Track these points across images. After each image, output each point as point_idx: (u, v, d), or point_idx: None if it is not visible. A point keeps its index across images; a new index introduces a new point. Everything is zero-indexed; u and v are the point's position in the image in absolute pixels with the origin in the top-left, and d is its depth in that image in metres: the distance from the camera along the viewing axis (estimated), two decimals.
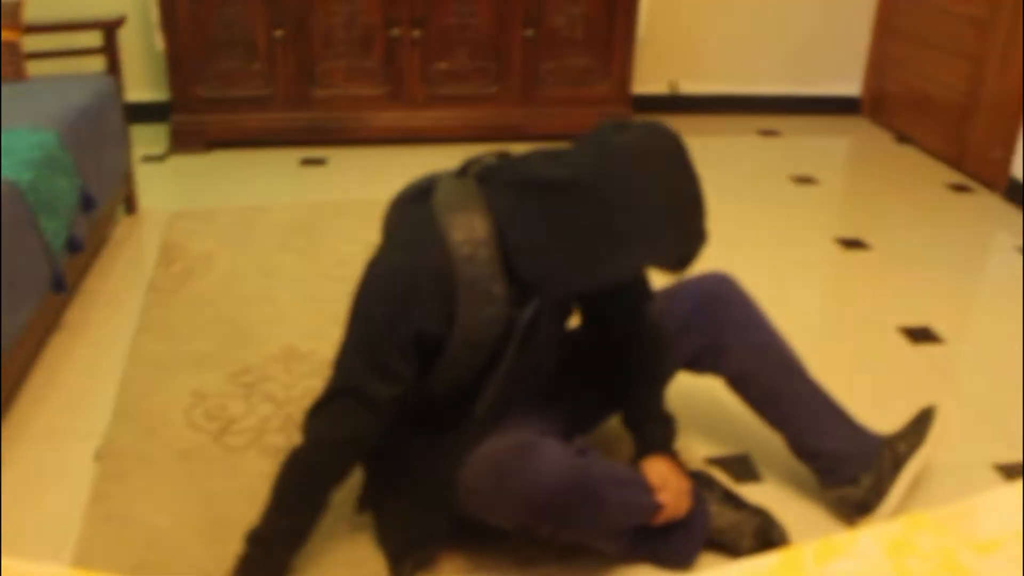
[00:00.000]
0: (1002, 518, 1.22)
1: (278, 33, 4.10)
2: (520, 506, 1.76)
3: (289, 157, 4.19)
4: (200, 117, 4.19)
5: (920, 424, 2.17)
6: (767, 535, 2.01)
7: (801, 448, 2.17)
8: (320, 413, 1.82)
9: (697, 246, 1.73)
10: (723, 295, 2.18)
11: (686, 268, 1.75)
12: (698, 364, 2.17)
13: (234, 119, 4.22)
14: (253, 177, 3.98)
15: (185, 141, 4.20)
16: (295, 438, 2.25)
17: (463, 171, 1.83)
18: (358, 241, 3.32)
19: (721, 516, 2.02)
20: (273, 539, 1.82)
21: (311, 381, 2.51)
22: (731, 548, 2.01)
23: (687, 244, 1.71)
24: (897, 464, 2.10)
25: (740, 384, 2.17)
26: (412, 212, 1.83)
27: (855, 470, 2.11)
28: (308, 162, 4.15)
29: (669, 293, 2.15)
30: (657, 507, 1.90)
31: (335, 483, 1.86)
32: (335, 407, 1.80)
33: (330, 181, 3.95)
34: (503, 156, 1.84)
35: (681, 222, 1.69)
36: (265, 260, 3.19)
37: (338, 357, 1.82)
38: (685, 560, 1.99)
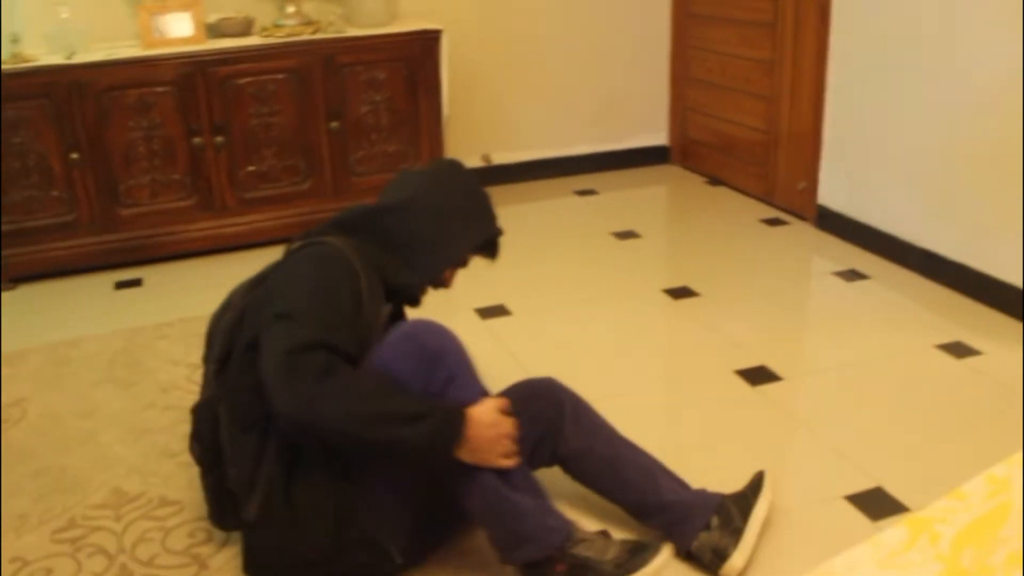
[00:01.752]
0: None
1: (74, 156, 3.93)
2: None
3: (101, 282, 4.00)
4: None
5: (755, 483, 2.25)
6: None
7: (647, 508, 2.18)
8: (294, 376, 1.77)
9: (496, 233, 2.23)
10: (547, 388, 2.25)
11: (496, 254, 2.26)
12: (536, 457, 2.17)
13: (37, 250, 4.00)
14: (64, 309, 3.77)
15: None
16: None
17: (330, 224, 2.14)
18: (181, 363, 3.18)
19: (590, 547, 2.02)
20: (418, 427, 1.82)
21: (144, 524, 2.36)
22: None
23: (488, 232, 2.21)
24: (745, 509, 2.14)
25: (577, 462, 2.20)
26: (299, 254, 2.05)
27: (705, 515, 2.13)
28: (123, 285, 3.97)
29: (510, 391, 2.21)
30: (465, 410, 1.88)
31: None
32: (313, 360, 1.78)
33: (148, 302, 3.78)
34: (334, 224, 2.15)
35: (480, 217, 2.21)
36: (83, 398, 3.01)
37: (285, 333, 1.82)
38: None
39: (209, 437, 2.04)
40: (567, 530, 2.00)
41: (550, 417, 2.18)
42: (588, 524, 2.30)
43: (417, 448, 1.83)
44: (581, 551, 1.99)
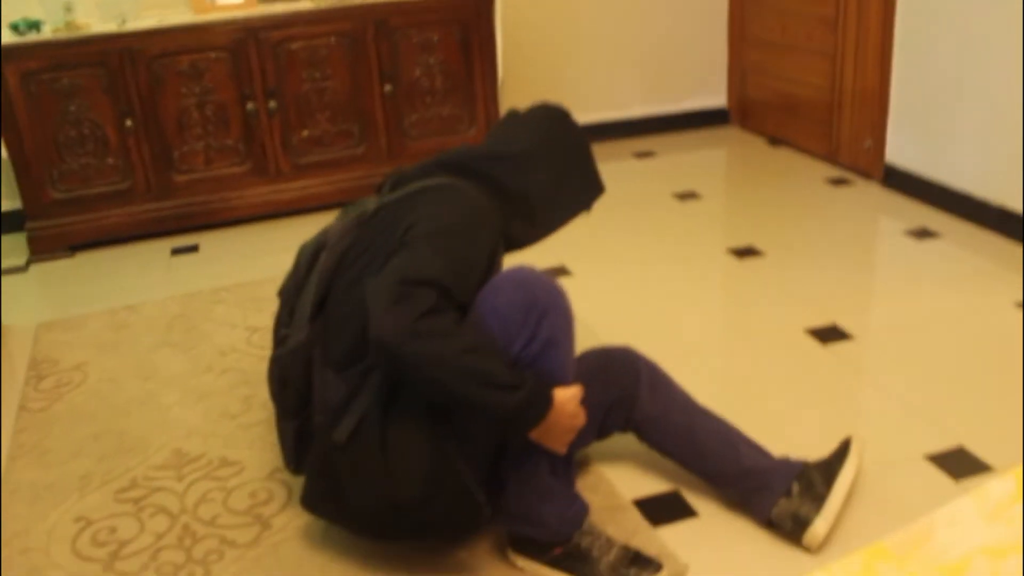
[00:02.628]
0: (962, 535, 1.13)
1: (128, 123, 3.91)
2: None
3: (158, 249, 3.99)
4: (58, 221, 3.96)
5: (841, 449, 2.15)
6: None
7: (725, 476, 2.12)
8: (401, 305, 1.73)
9: (603, 187, 2.18)
10: (623, 355, 2.20)
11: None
12: (609, 422, 2.14)
13: (95, 218, 4.00)
14: (123, 275, 3.76)
15: (46, 247, 3.97)
16: (194, 552, 2.09)
17: (398, 182, 2.07)
18: (238, 326, 3.15)
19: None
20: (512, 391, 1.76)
21: (205, 485, 2.33)
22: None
23: (600, 189, 2.17)
24: (829, 476, 2.05)
25: (652, 429, 2.15)
26: (439, 190, 1.97)
27: (785, 481, 2.05)
28: (179, 251, 3.95)
29: (585, 356, 2.15)
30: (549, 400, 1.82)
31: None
32: (422, 297, 1.74)
33: (204, 268, 3.76)
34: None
35: (593, 173, 2.17)
36: (142, 362, 2.99)
37: (410, 260, 1.80)
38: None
39: (300, 381, 1.96)
40: (580, 520, 1.98)
41: (625, 383, 2.13)
42: (660, 487, 2.23)
43: (499, 416, 1.79)
44: (583, 542, 1.96)
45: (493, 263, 1.95)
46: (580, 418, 1.90)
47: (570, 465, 1.99)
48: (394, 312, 1.71)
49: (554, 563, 1.96)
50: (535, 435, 1.85)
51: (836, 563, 1.14)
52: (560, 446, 1.90)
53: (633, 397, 2.13)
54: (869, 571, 1.10)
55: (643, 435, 2.17)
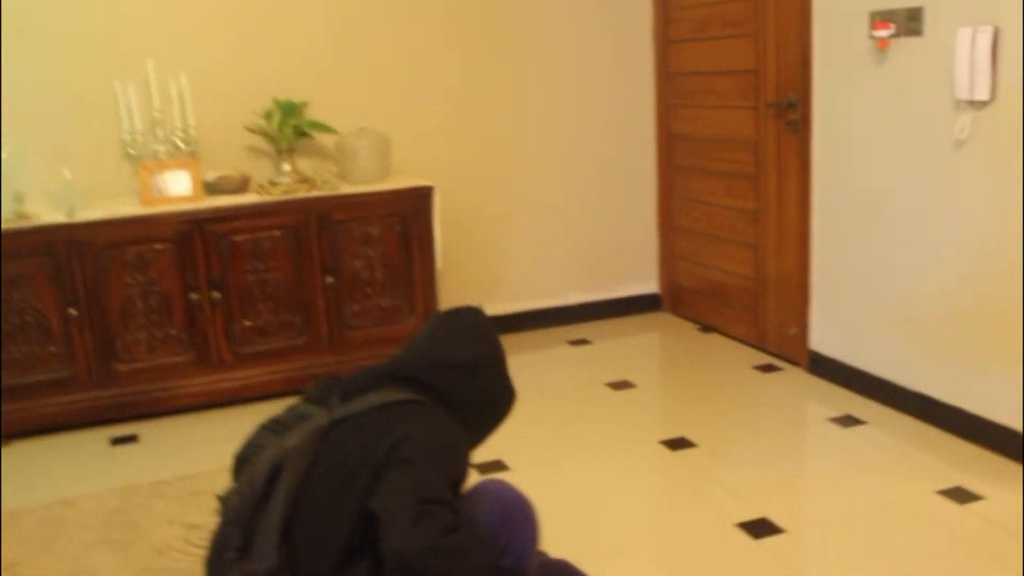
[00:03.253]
0: None
1: (72, 312, 3.97)
2: None
3: (97, 438, 3.98)
4: None
5: None
6: None
7: None
8: (425, 522, 1.82)
9: (515, 398, 2.31)
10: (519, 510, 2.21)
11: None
12: None
13: (32, 406, 3.99)
14: (59, 466, 3.74)
15: None
16: None
17: (348, 391, 2.13)
18: (176, 523, 3.14)
19: None
20: None
21: None
22: None
23: (513, 396, 2.29)
24: None
25: None
26: (417, 406, 2.08)
27: None
28: (118, 441, 3.95)
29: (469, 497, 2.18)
30: None
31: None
32: (442, 516, 1.84)
33: (143, 459, 3.76)
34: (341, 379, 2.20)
35: (508, 379, 2.28)
36: (77, 561, 2.95)
37: (422, 482, 1.88)
38: None
39: None
40: None
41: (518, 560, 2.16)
42: None
43: None
44: None
45: (467, 465, 2.09)
46: None
47: None
48: (418, 529, 1.80)
49: None
50: None
51: None
52: None
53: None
54: None
55: None
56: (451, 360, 2.18)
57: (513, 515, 2.04)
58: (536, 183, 5.08)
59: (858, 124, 3.86)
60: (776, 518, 3.03)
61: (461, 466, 2.03)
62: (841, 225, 4.03)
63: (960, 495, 3.12)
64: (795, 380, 4.28)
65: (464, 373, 2.17)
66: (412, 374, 2.15)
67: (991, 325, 3.37)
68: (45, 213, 4.06)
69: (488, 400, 2.22)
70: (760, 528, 2.98)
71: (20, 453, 3.90)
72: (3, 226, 3.88)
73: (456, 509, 1.88)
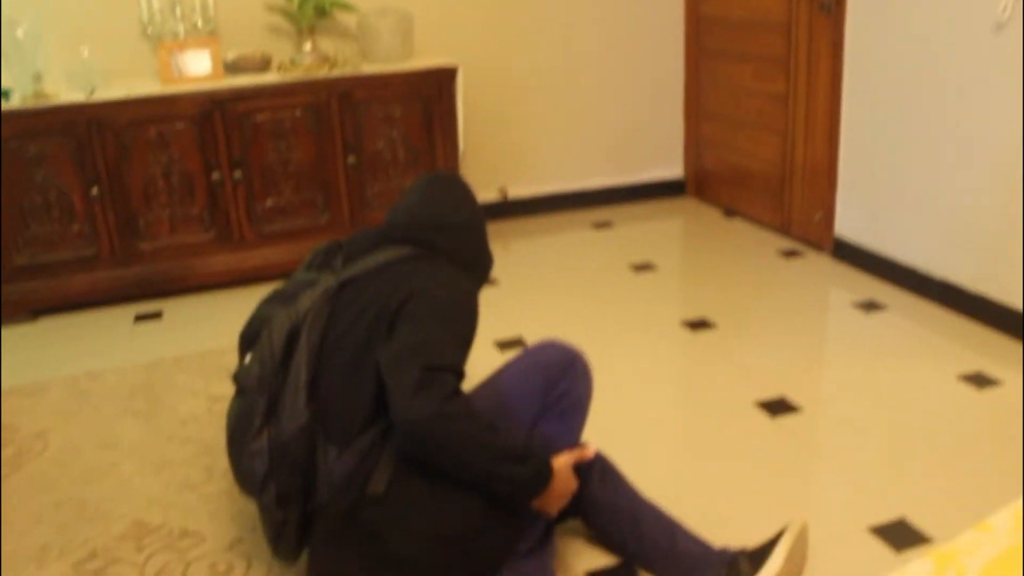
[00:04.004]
0: None
1: (94, 191, 3.97)
2: None
3: (122, 315, 4.02)
4: (22, 286, 3.99)
5: (775, 537, 2.18)
6: None
7: (660, 561, 2.18)
8: (429, 390, 1.83)
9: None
10: (582, 364, 2.25)
11: None
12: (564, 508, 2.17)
13: (59, 283, 4.04)
14: (85, 341, 3.79)
15: (8, 312, 3.99)
16: None
17: (350, 252, 2.15)
18: (200, 395, 3.19)
19: None
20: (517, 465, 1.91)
21: (165, 556, 2.36)
22: None
23: (491, 255, 2.35)
24: (759, 561, 2.10)
25: (598, 515, 2.25)
26: (424, 262, 2.12)
27: (714, 568, 2.11)
28: (142, 318, 3.99)
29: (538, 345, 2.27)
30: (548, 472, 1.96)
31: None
32: (445, 382, 1.85)
33: (167, 335, 3.80)
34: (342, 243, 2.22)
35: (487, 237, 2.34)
36: (104, 430, 3.02)
37: (428, 344, 1.89)
38: None
39: (306, 464, 1.96)
40: None
41: (579, 469, 2.17)
42: (611, 560, 2.29)
43: (508, 486, 1.92)
44: None
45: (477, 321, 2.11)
46: (572, 483, 2.04)
47: (551, 534, 2.13)
48: (422, 397, 1.81)
49: None
50: (535, 503, 1.98)
51: None
52: (554, 509, 2.03)
53: (585, 481, 2.20)
54: None
55: (588, 518, 2.25)
56: (448, 221, 2.22)
57: (576, 364, 2.14)
58: (562, 64, 5.00)
59: (893, 5, 3.75)
60: (794, 398, 3.04)
61: (471, 317, 2.05)
62: (872, 110, 3.95)
63: (980, 380, 3.12)
64: (818, 265, 4.25)
65: (458, 234, 2.22)
66: (410, 235, 2.17)
67: (1014, 211, 3.32)
68: (64, 92, 4.04)
69: (474, 260, 2.26)
70: (778, 407, 2.99)
71: (46, 328, 3.95)
72: (22, 105, 3.86)
73: (462, 372, 1.90)
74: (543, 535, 2.10)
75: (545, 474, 1.94)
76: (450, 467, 1.88)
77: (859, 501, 2.50)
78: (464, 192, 2.31)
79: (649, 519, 2.20)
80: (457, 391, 1.85)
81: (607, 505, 2.22)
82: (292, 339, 2.02)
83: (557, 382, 2.11)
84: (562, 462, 2.01)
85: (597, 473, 2.22)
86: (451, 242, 2.20)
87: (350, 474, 1.92)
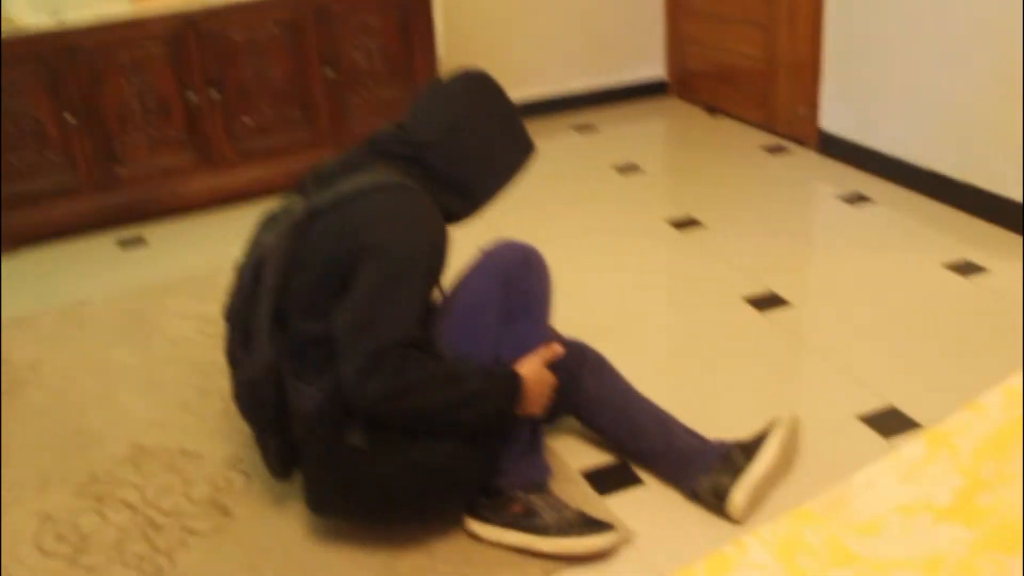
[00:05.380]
0: (877, 496, 1.22)
1: (68, 117, 3.91)
2: None
3: (105, 242, 3.99)
4: (1, 217, 3.95)
5: (767, 428, 2.20)
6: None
7: (656, 455, 2.21)
8: (375, 374, 1.83)
9: (534, 150, 2.18)
10: (570, 341, 2.28)
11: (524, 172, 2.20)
12: (556, 405, 2.18)
13: (37, 213, 3.99)
14: (71, 270, 3.77)
15: None
16: (158, 542, 2.15)
17: (326, 177, 2.08)
18: (190, 317, 3.19)
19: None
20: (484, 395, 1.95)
21: (165, 477, 2.38)
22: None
23: (529, 150, 2.17)
24: (751, 452, 2.13)
25: (593, 411, 2.28)
26: (381, 198, 1.99)
27: (708, 460, 2.13)
28: (126, 243, 3.96)
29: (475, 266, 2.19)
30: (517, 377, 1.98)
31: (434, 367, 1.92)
32: (392, 360, 1.83)
33: (153, 260, 3.78)
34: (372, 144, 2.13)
35: (520, 136, 2.16)
36: (97, 357, 3.02)
37: (373, 321, 1.86)
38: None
39: (276, 398, 1.99)
40: (543, 476, 2.11)
41: (571, 368, 2.21)
42: (607, 459, 2.32)
43: (483, 418, 1.96)
44: (539, 503, 2.05)
45: (446, 257, 2.02)
46: (547, 379, 2.05)
47: (537, 425, 2.11)
48: (370, 382, 1.82)
49: (511, 523, 2.03)
50: (517, 412, 1.99)
51: (764, 527, 1.23)
52: (538, 411, 2.05)
53: (577, 380, 2.22)
54: (794, 533, 1.19)
55: (583, 416, 2.27)
56: (432, 135, 2.08)
57: (531, 261, 2.08)
58: None
59: None
60: (782, 292, 3.05)
61: (430, 270, 1.97)
62: (854, 3, 3.88)
63: (966, 268, 3.13)
64: (804, 160, 4.23)
65: (447, 146, 2.08)
66: (394, 151, 2.09)
67: (999, 100, 3.29)
68: (28, 15, 3.94)
69: (481, 166, 2.11)
70: (766, 302, 3.01)
71: (29, 260, 3.92)
72: None
73: (414, 339, 1.87)
74: (532, 435, 2.10)
75: (514, 388, 1.96)
76: (419, 426, 1.93)
77: (849, 391, 2.53)
78: (464, 94, 2.13)
79: (644, 414, 2.22)
80: (405, 363, 1.84)
81: (601, 401, 2.24)
82: (258, 271, 2.02)
83: (517, 283, 2.05)
84: (530, 366, 2.01)
85: (589, 369, 2.24)
86: (437, 159, 2.08)
87: (320, 410, 1.92)
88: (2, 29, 3.79)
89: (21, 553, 2.17)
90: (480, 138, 2.10)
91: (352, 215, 1.98)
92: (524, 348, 2.04)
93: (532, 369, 2.01)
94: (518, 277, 2.06)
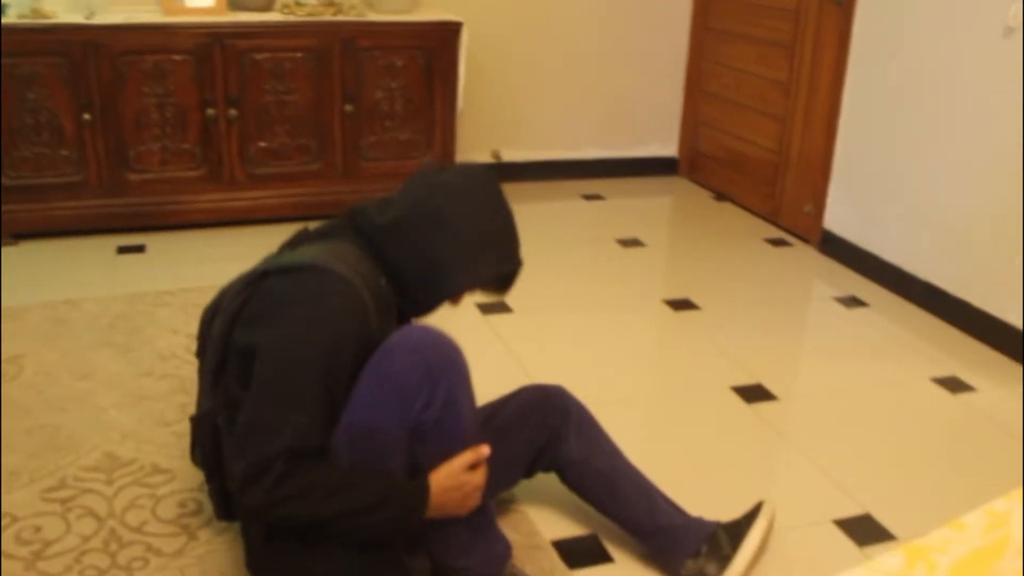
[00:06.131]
0: None
1: (86, 116, 3.92)
2: None
3: (104, 245, 3.99)
4: (4, 207, 3.95)
5: (752, 512, 2.22)
6: None
7: (640, 528, 2.19)
8: (255, 484, 1.73)
9: (515, 268, 2.01)
10: (556, 395, 2.25)
11: (508, 289, 2.04)
12: (537, 462, 2.20)
13: (43, 208, 3.99)
14: (66, 269, 3.76)
15: None
16: (119, 557, 2.12)
17: (298, 240, 2.00)
18: (180, 332, 3.18)
19: None
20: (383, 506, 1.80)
21: (135, 490, 2.36)
22: None
23: (507, 265, 1.99)
24: (737, 538, 2.13)
25: (575, 472, 2.21)
26: (297, 281, 1.85)
27: (695, 541, 2.13)
28: (125, 250, 3.96)
29: (506, 398, 2.23)
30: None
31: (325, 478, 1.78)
32: (269, 473, 1.72)
33: (149, 269, 3.78)
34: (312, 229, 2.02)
35: (499, 246, 1.97)
36: (81, 359, 3.00)
37: (256, 429, 1.75)
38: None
39: (211, 447, 1.96)
40: (504, 560, 2.04)
41: (555, 425, 2.19)
42: (580, 529, 2.31)
43: (383, 531, 1.84)
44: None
45: (365, 354, 1.83)
46: (469, 483, 1.87)
47: (487, 511, 2.01)
48: (250, 491, 1.73)
49: None
50: (434, 515, 1.86)
51: None
52: (464, 511, 1.90)
53: (560, 438, 2.19)
54: None
55: (565, 476, 2.23)
56: (389, 214, 1.93)
57: (432, 365, 1.80)
58: (565, 31, 4.96)
59: (905, 1, 3.74)
60: (770, 385, 3.06)
61: (335, 365, 1.79)
62: (872, 106, 3.95)
63: (954, 384, 3.15)
64: (805, 257, 4.26)
65: (426, 227, 1.91)
66: (374, 227, 1.94)
67: (1008, 225, 3.34)
68: (63, 13, 3.97)
69: (455, 262, 1.92)
70: (753, 393, 3.01)
71: (27, 252, 3.91)
72: (18, 21, 3.80)
73: (298, 450, 1.73)
74: (480, 516, 1.98)
75: (416, 501, 1.82)
76: (313, 532, 1.82)
77: (826, 493, 2.53)
78: (452, 191, 1.94)
79: (628, 481, 2.19)
80: (288, 473, 1.72)
81: (584, 463, 2.19)
82: (213, 320, 1.97)
83: (415, 397, 1.80)
84: (449, 471, 1.84)
85: (574, 427, 2.20)
86: (388, 246, 1.93)
87: (243, 477, 1.79)
88: (31, 18, 3.82)
89: None
90: (446, 235, 1.91)
91: (268, 293, 1.87)
92: (445, 448, 1.87)
93: (446, 476, 1.84)
94: (417, 392, 1.81)
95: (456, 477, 1.86)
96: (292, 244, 2.02)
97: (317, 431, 1.77)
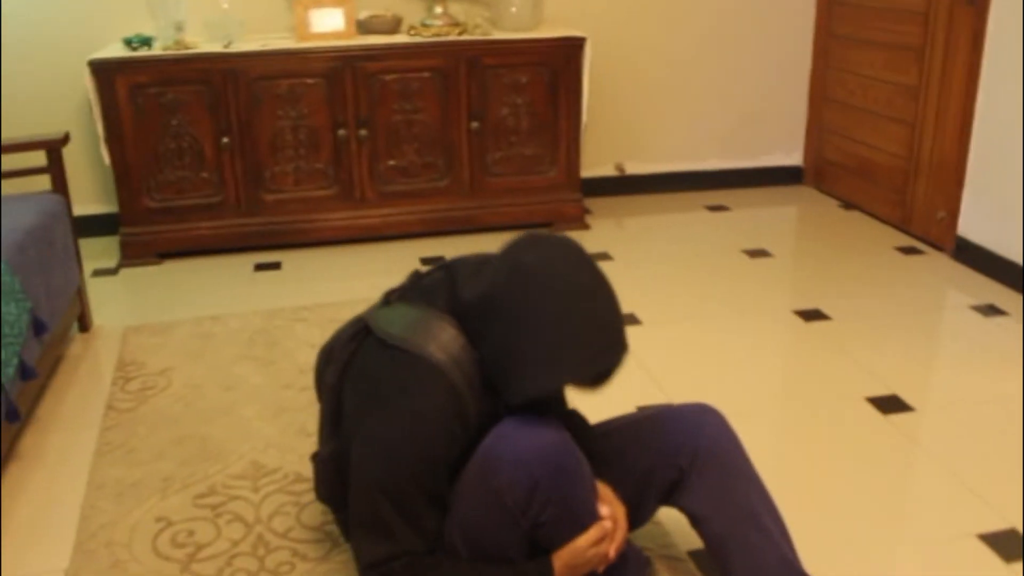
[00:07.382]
0: None
1: (225, 140, 4.10)
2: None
3: (242, 263, 4.15)
4: (150, 228, 4.15)
5: None
6: None
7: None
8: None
9: (612, 362, 1.77)
10: (691, 426, 2.03)
11: (604, 384, 1.80)
12: (669, 498, 2.04)
13: (185, 228, 4.18)
14: (207, 286, 3.93)
15: (136, 253, 4.15)
16: (267, 561, 2.21)
17: (403, 292, 1.94)
18: (317, 347, 3.24)
19: None
20: None
21: (280, 498, 2.45)
22: None
23: (600, 363, 1.76)
24: None
25: (696, 528, 2.02)
26: (383, 361, 1.82)
27: None
28: (262, 267, 4.11)
29: (653, 415, 2.10)
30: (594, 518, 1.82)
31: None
32: (401, 568, 1.76)
33: (286, 286, 3.92)
34: (421, 276, 1.95)
35: (588, 345, 1.73)
36: (225, 372, 3.13)
37: (372, 512, 1.78)
38: None
39: (336, 485, 1.96)
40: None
41: (679, 464, 2.00)
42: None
43: None
44: None
45: (466, 436, 1.81)
46: (598, 553, 1.83)
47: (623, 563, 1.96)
48: None
49: None
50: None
51: None
52: (597, 568, 1.87)
53: (682, 478, 2.00)
54: None
55: (689, 517, 2.04)
56: (471, 292, 1.82)
57: (539, 480, 1.71)
58: (687, 43, 4.95)
59: None
60: (906, 396, 3.00)
61: (433, 475, 1.78)
62: (1008, 109, 3.83)
63: None
64: (938, 265, 4.16)
65: (472, 315, 1.81)
66: (450, 291, 1.86)
67: None
68: (203, 43, 4.16)
69: (505, 361, 1.76)
70: (889, 404, 2.96)
71: (171, 271, 4.10)
72: (163, 53, 3.99)
73: (411, 552, 1.76)
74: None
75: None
76: None
77: (969, 506, 2.47)
78: (567, 274, 1.75)
79: (741, 554, 1.95)
80: (413, 571, 1.75)
81: (703, 521, 2.00)
82: (327, 366, 1.99)
83: (525, 512, 1.74)
84: (569, 552, 1.80)
85: (696, 475, 1.98)
86: (473, 330, 1.81)
87: (365, 570, 1.83)
88: (175, 50, 4.01)
89: (138, 552, 2.26)
90: (523, 331, 1.73)
91: (364, 372, 1.85)
92: (565, 535, 1.81)
93: (572, 553, 1.81)
94: (526, 506, 1.74)
95: (582, 555, 1.82)
96: (400, 294, 1.95)
97: (428, 527, 1.79)
